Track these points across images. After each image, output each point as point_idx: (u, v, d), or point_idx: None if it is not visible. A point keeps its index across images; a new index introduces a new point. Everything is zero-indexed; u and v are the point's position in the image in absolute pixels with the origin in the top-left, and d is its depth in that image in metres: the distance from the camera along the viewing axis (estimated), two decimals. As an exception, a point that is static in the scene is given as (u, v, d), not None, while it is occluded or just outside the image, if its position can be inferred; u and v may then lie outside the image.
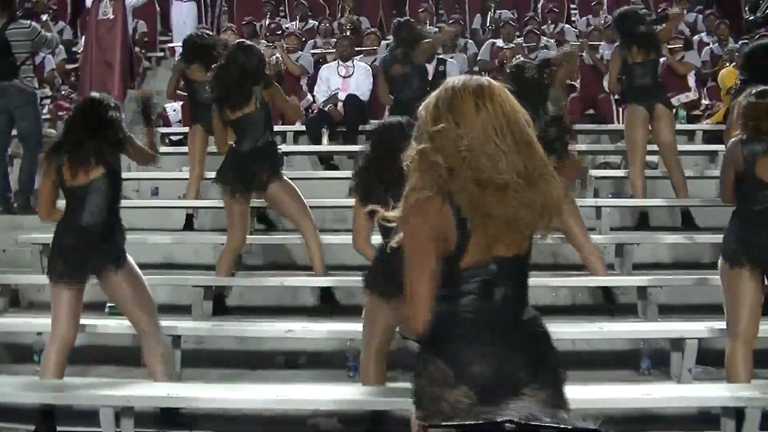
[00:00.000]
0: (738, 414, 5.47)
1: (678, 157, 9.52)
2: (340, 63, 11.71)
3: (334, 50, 12.49)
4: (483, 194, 2.89)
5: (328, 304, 8.06)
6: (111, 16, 11.94)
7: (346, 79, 11.55)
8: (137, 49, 14.34)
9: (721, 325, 6.07)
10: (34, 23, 10.38)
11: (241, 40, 9.01)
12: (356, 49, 12.38)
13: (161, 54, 15.72)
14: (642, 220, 9.44)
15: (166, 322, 6.34)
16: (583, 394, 5.27)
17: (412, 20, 11.52)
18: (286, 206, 7.90)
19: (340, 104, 11.30)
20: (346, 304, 7.99)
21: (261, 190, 7.77)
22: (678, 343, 6.64)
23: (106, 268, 5.87)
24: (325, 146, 11.19)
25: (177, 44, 14.01)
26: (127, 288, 5.92)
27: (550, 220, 3.00)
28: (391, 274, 5.42)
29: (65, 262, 5.84)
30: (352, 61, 11.78)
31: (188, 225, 9.61)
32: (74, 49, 14.36)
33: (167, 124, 12.02)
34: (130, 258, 6.00)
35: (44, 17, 13.90)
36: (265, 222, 9.44)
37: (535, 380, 2.99)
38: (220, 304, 8.00)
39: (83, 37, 13.11)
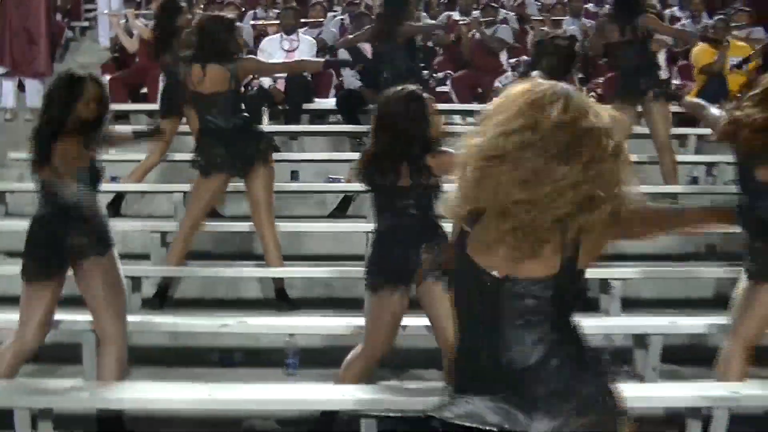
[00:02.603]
0: (705, 415, 5.58)
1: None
2: (284, 36, 11.67)
3: (276, 22, 12.47)
4: None
5: (284, 302, 8.06)
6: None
7: (290, 53, 11.51)
8: (59, 17, 14.22)
9: (685, 320, 6.18)
10: None
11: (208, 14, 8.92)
12: (301, 20, 12.36)
13: (86, 24, 15.58)
14: None
15: (90, 316, 6.31)
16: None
17: None
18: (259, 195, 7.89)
19: (281, 81, 11.28)
20: (295, 297, 8.10)
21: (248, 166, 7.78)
22: (641, 340, 6.75)
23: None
24: (265, 126, 11.18)
25: (102, 11, 13.94)
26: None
27: None
28: (394, 261, 5.54)
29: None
30: (297, 34, 11.73)
31: (113, 206, 9.56)
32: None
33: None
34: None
35: None
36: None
37: None
38: (163, 297, 8.05)
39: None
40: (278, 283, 8.07)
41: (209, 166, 7.75)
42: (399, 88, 5.53)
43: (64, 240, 5.63)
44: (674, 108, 11.52)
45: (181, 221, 8.11)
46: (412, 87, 5.56)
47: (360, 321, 6.00)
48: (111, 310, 5.77)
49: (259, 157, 7.80)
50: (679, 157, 10.42)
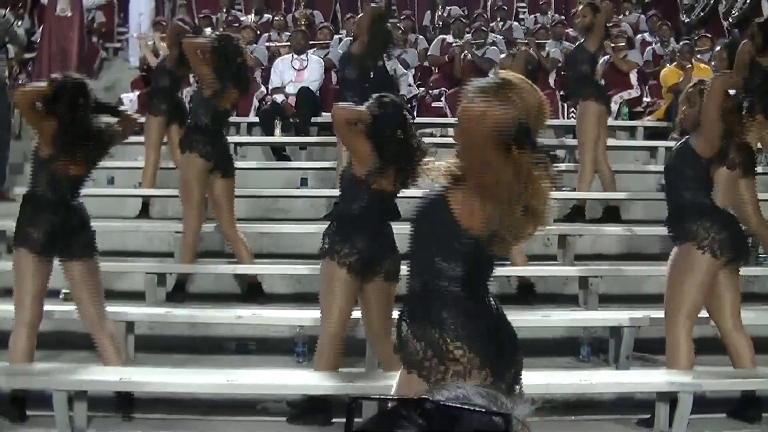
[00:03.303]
0: (672, 399, 5.55)
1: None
2: (294, 56, 11.66)
3: (288, 44, 12.45)
4: None
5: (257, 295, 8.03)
6: (69, 14, 11.83)
7: (299, 72, 11.50)
8: (95, 39, 14.21)
9: (656, 314, 6.13)
10: (8, 13, 10.24)
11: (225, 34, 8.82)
12: (310, 42, 12.34)
13: (118, 45, 15.56)
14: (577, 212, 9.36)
15: (120, 308, 6.31)
16: (524, 380, 5.28)
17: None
18: (224, 206, 7.85)
19: (292, 97, 11.25)
20: (298, 291, 8.02)
21: (223, 173, 7.75)
22: (616, 331, 6.72)
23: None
24: (277, 137, 11.15)
25: (132, 34, 13.95)
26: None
27: None
28: (353, 239, 5.47)
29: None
30: (306, 54, 11.73)
31: (144, 212, 9.55)
32: (32, 38, 14.16)
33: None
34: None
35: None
36: None
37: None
38: (181, 291, 7.99)
39: (41, 28, 12.95)
40: (252, 278, 8.06)
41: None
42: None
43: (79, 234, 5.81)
44: (646, 123, 11.56)
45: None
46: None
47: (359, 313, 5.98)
48: (97, 297, 5.84)
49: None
50: (650, 167, 10.43)
